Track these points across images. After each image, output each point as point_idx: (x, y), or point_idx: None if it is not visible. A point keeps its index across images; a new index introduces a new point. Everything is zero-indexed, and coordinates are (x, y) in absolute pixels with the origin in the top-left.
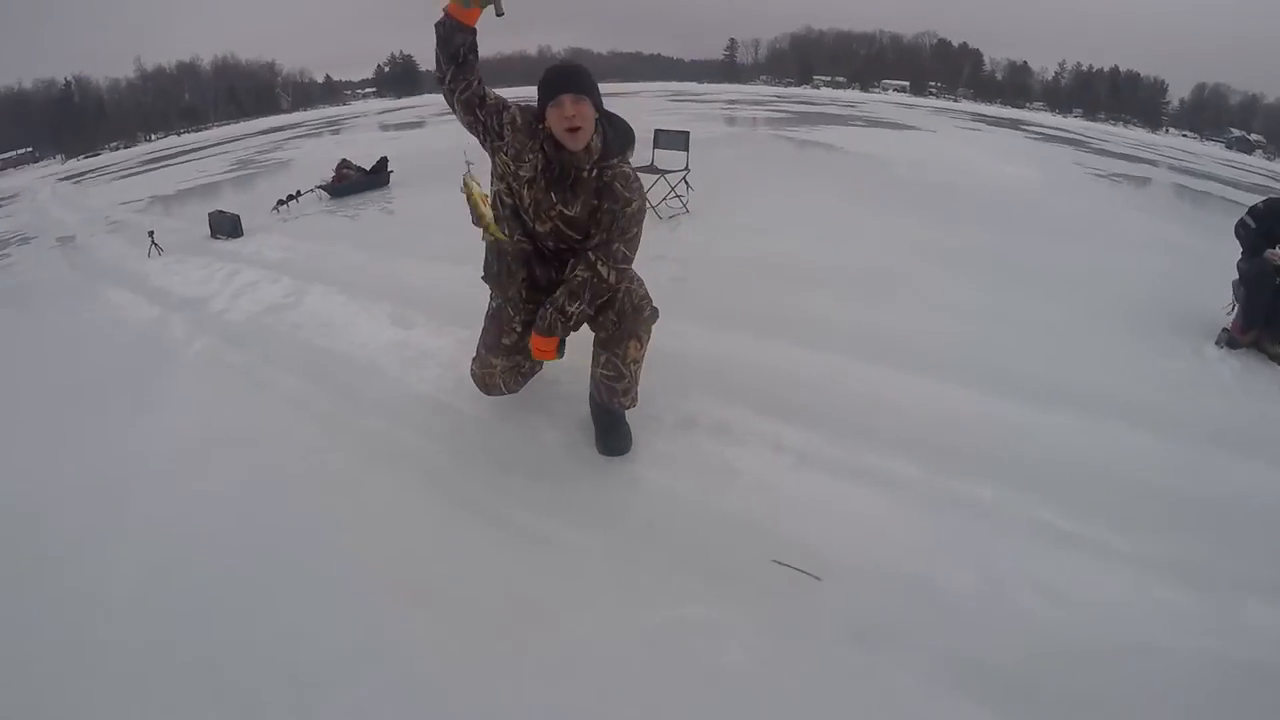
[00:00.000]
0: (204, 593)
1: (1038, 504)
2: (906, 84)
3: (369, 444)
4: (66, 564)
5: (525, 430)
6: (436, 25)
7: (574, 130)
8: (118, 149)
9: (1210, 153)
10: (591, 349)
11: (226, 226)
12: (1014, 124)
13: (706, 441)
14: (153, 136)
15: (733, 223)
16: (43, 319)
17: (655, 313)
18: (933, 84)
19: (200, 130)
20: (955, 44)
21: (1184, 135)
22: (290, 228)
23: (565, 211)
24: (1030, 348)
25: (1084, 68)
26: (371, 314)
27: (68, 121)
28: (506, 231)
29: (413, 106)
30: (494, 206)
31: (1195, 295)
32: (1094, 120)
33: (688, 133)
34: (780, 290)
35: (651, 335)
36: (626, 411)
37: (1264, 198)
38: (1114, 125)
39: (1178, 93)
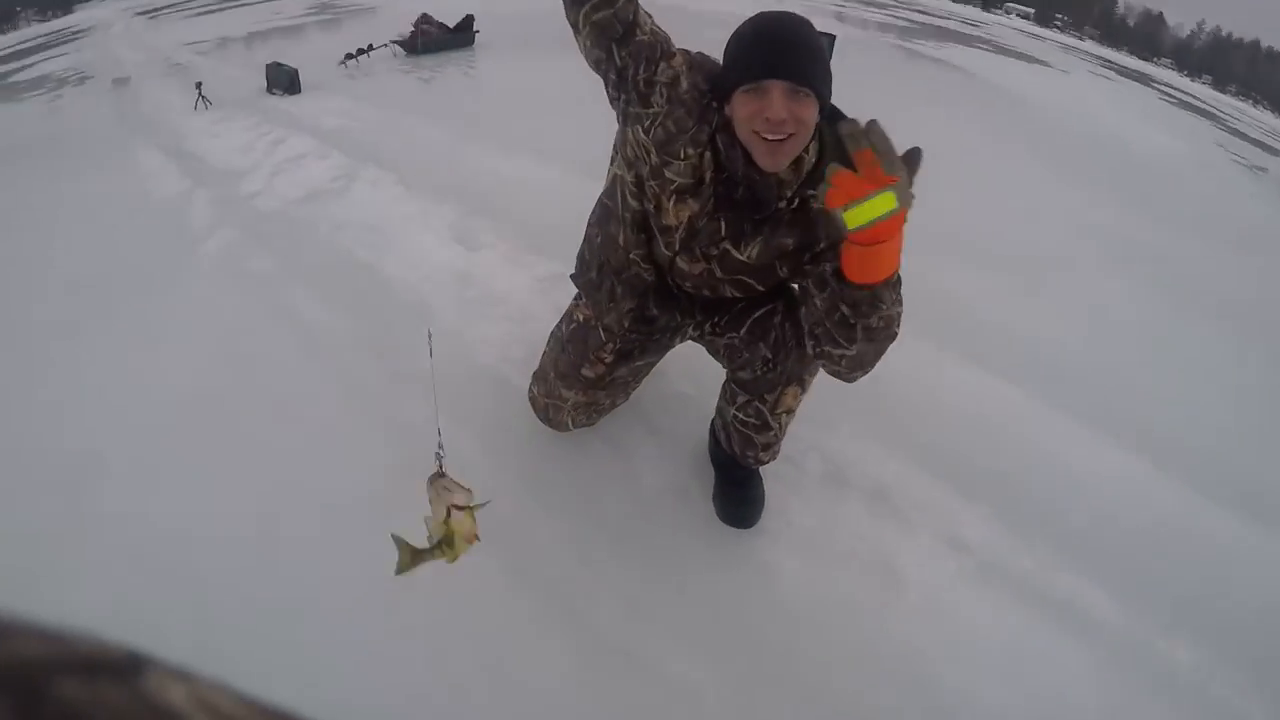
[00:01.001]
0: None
1: (1248, 686)
2: (1032, 11)
3: (403, 442)
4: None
5: (619, 459)
6: None
7: (778, 142)
8: None
9: None
10: (724, 381)
11: (284, 81)
12: (1143, 78)
13: (862, 515)
14: None
15: None
16: (69, 182)
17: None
18: (1060, 16)
19: None
20: None
21: None
22: (355, 87)
23: (734, 254)
24: (1244, 427)
25: (1223, 33)
26: (430, 220)
27: None
28: (622, 245)
29: None
30: (613, 197)
31: None
32: (1223, 91)
33: (834, 37)
34: (935, 266)
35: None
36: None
37: None
38: (1243, 102)
39: None
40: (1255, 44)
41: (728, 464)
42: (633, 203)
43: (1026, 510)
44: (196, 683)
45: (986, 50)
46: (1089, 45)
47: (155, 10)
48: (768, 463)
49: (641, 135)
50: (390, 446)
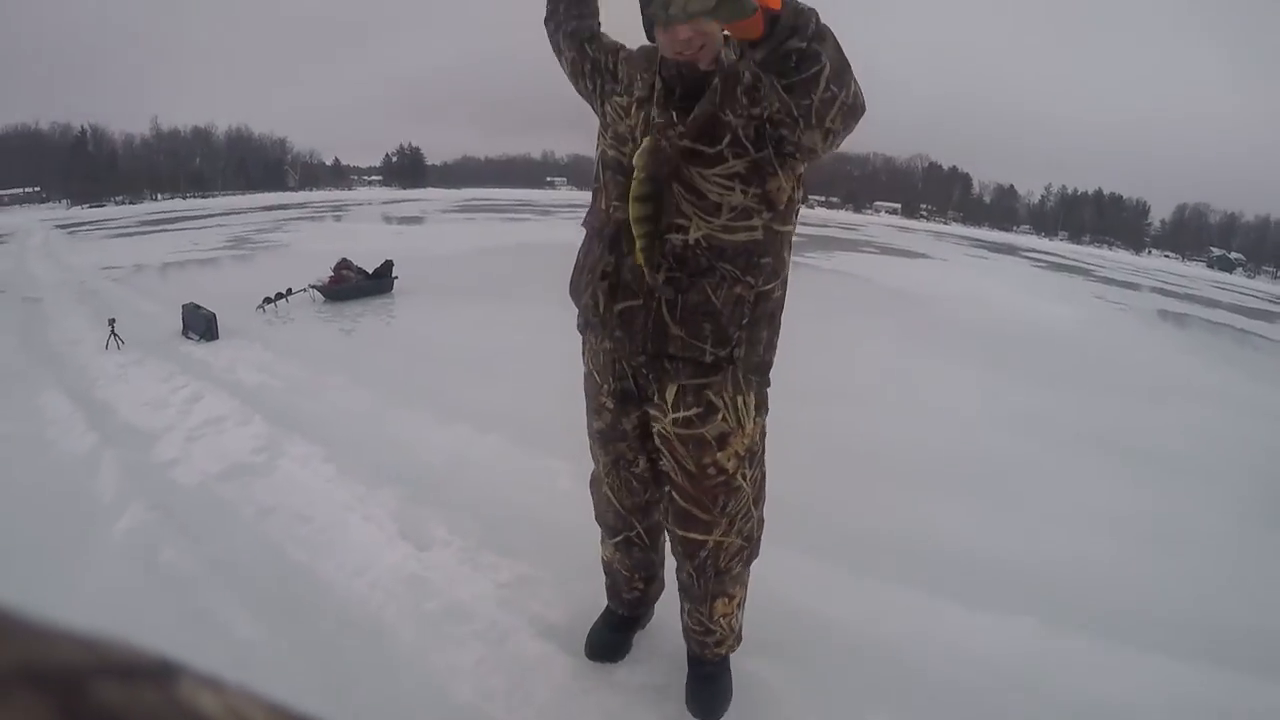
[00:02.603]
0: None
1: None
2: (899, 206)
3: None
4: None
5: None
6: None
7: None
8: (123, 203)
9: (1195, 273)
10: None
11: (200, 326)
12: (1010, 249)
13: None
14: (159, 196)
15: (801, 389)
16: None
17: (754, 553)
18: (924, 206)
19: (206, 197)
20: (945, 167)
21: (1166, 256)
22: (274, 336)
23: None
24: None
25: (1069, 190)
26: (369, 508)
27: (78, 168)
28: (604, 207)
29: (417, 200)
30: (597, 178)
31: None
32: (1079, 243)
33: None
34: (910, 500)
35: (750, 574)
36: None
37: None
38: (1099, 248)
39: (1159, 213)
40: (1098, 193)
41: (694, 660)
42: (611, 154)
43: None
44: (227, 692)
45: (872, 252)
46: (954, 228)
47: (77, 225)
48: (730, 652)
49: (618, 99)
50: None
